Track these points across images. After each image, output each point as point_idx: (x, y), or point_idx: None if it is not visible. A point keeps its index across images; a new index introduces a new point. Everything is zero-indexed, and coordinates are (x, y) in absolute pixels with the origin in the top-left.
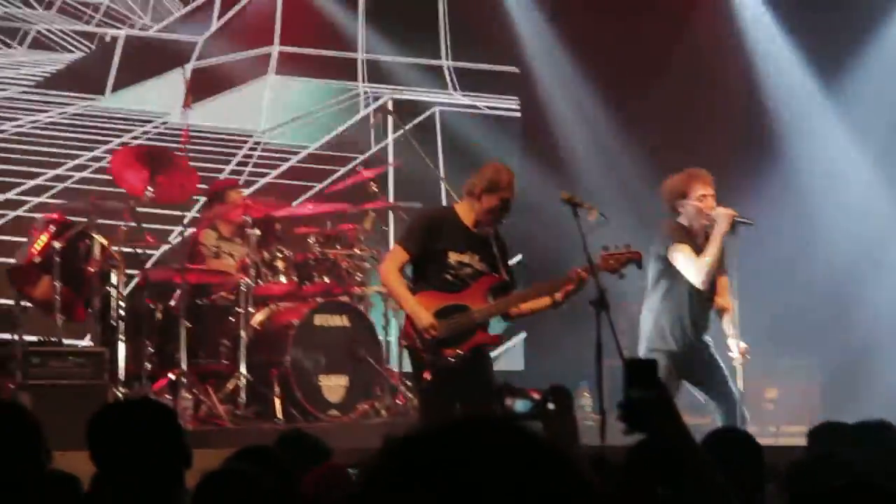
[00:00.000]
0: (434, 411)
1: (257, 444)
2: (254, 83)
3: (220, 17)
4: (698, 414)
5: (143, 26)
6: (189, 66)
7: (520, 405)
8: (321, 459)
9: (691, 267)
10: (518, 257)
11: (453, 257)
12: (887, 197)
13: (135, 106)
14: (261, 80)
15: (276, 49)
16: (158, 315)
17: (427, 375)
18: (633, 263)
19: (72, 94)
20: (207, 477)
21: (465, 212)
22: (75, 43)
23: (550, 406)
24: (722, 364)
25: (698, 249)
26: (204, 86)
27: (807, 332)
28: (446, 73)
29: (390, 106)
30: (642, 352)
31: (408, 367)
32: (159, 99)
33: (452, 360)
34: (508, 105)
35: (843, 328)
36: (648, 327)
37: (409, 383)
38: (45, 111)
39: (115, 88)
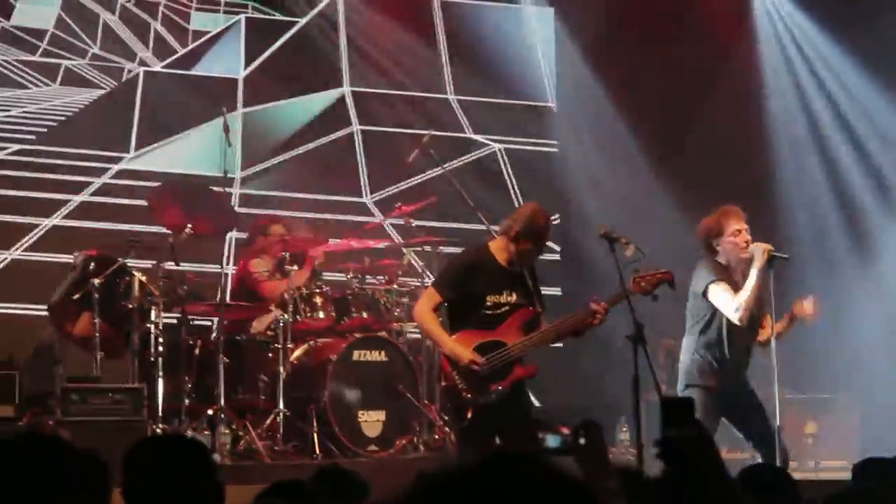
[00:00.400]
0: (475, 449)
1: (289, 479)
2: None
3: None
4: (737, 448)
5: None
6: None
7: (551, 440)
8: (358, 495)
9: (729, 303)
10: (556, 290)
11: (491, 299)
12: None
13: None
14: None
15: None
16: (197, 351)
17: (469, 414)
18: (665, 284)
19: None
20: None
21: (500, 250)
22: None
23: (581, 441)
24: (762, 403)
25: (736, 286)
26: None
27: (847, 365)
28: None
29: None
30: (681, 388)
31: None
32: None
33: (494, 395)
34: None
35: (884, 362)
36: (687, 364)
37: (446, 419)
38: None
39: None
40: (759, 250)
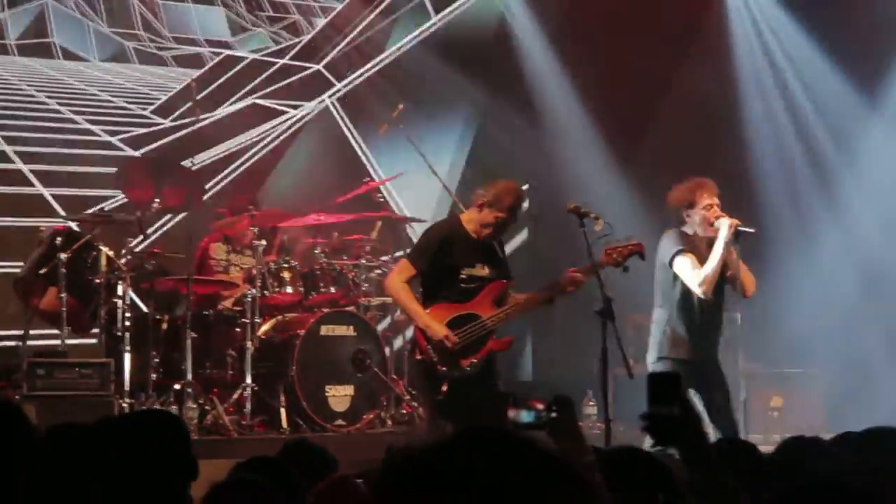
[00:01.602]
0: (449, 421)
1: (264, 455)
2: None
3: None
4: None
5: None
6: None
7: (524, 416)
8: (327, 470)
9: (693, 276)
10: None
11: (465, 272)
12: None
13: None
14: None
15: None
16: (164, 326)
17: (443, 387)
18: (636, 255)
19: None
20: (216, 488)
21: (470, 221)
22: None
23: (554, 416)
24: (728, 385)
25: (702, 258)
26: None
27: (813, 340)
28: None
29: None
30: (651, 360)
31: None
32: None
33: (469, 369)
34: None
35: (849, 337)
36: (658, 337)
37: (414, 393)
38: None
39: None
40: (726, 224)
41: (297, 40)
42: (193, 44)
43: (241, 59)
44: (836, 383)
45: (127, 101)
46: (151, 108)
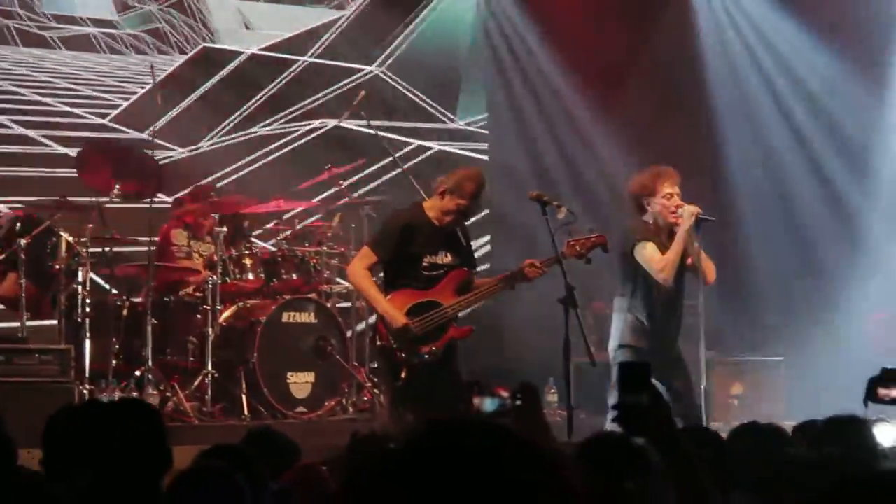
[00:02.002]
0: (409, 409)
1: (227, 443)
2: None
3: None
4: None
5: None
6: None
7: (488, 403)
8: (290, 457)
9: (654, 264)
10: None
11: (427, 260)
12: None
13: None
14: None
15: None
16: (125, 312)
17: (403, 374)
18: (598, 247)
19: None
20: (181, 475)
21: (432, 208)
22: None
23: (518, 403)
24: (689, 373)
25: (664, 246)
26: None
27: (773, 328)
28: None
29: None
30: (612, 348)
31: (374, 363)
32: None
33: (428, 357)
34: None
35: (808, 325)
36: (619, 325)
37: (375, 380)
38: None
39: None
40: (687, 213)
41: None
42: (75, 23)
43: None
44: (796, 371)
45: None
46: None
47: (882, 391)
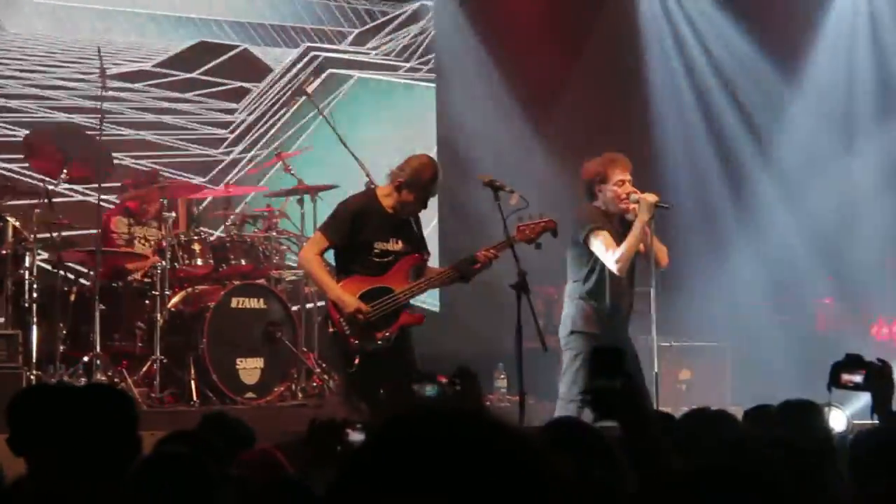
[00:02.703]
0: (361, 394)
1: (185, 429)
2: None
3: None
4: None
5: None
6: None
7: (428, 389)
8: (244, 442)
9: (609, 253)
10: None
11: (379, 246)
12: (802, 179)
13: None
14: None
15: None
16: (72, 297)
17: (356, 361)
18: (548, 232)
19: None
20: (147, 462)
21: (386, 196)
22: None
23: (458, 389)
24: (637, 353)
25: (615, 233)
26: None
27: (720, 314)
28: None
29: (309, 89)
30: (564, 334)
31: (323, 349)
32: None
33: (381, 342)
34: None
35: (755, 310)
36: (571, 311)
37: (324, 366)
38: None
39: None
40: (646, 203)
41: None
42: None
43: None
44: (742, 357)
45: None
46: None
47: (845, 377)
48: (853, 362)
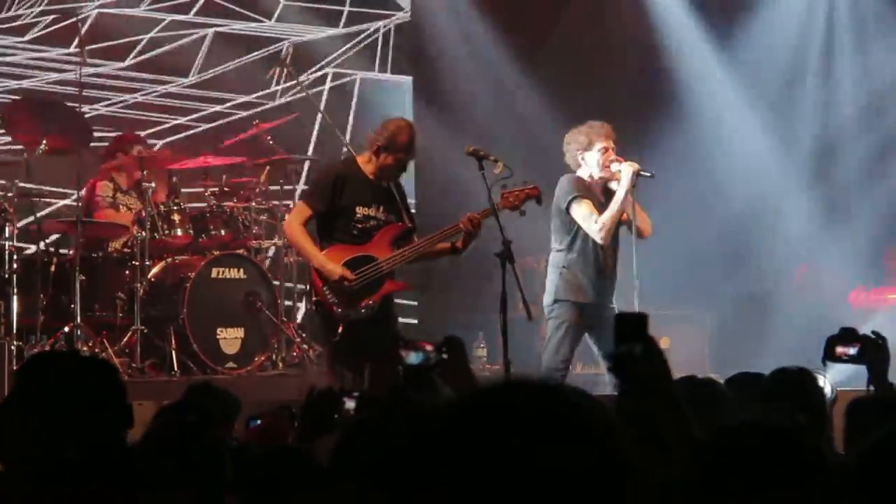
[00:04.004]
0: (345, 363)
1: (186, 399)
2: None
3: None
4: (592, 364)
5: None
6: None
7: (413, 357)
8: (231, 411)
9: (592, 223)
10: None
11: (360, 211)
12: (777, 149)
13: None
14: None
15: None
16: (52, 268)
17: (339, 329)
18: (532, 200)
19: None
20: (155, 431)
21: (366, 163)
22: None
23: (444, 357)
24: None
25: (597, 202)
26: None
27: (699, 282)
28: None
29: (287, 59)
30: (548, 303)
31: (302, 319)
32: None
33: (364, 311)
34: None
35: (734, 279)
36: (555, 279)
37: (304, 335)
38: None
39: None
40: (628, 171)
41: None
42: None
43: None
44: (719, 324)
45: None
46: None
47: (840, 349)
48: (848, 335)
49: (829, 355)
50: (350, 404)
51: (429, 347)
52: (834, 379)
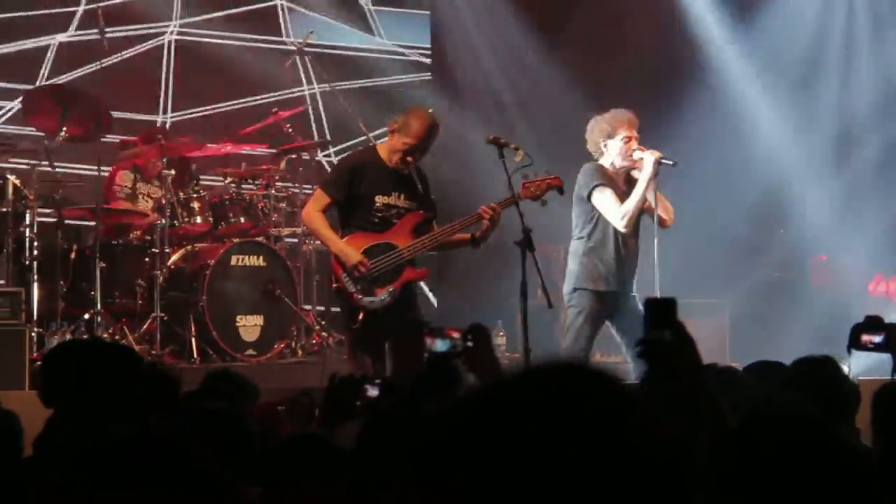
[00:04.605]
0: (366, 350)
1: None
2: None
3: None
4: (611, 353)
5: None
6: None
7: (439, 344)
8: (250, 398)
9: (614, 210)
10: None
11: (380, 200)
12: (796, 138)
13: None
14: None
15: None
16: (73, 255)
17: (360, 316)
18: (554, 189)
19: None
20: (185, 417)
21: (386, 150)
22: None
23: (470, 345)
24: (640, 310)
25: (619, 191)
26: None
27: (719, 271)
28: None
29: (305, 48)
30: (568, 291)
31: (322, 307)
32: None
33: (383, 298)
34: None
35: (754, 268)
36: (575, 268)
37: (324, 323)
38: None
39: None
40: (651, 160)
41: None
42: None
43: None
44: (739, 313)
45: None
46: None
47: (865, 337)
48: (874, 323)
49: (855, 343)
50: (372, 391)
51: (455, 335)
52: (856, 367)
